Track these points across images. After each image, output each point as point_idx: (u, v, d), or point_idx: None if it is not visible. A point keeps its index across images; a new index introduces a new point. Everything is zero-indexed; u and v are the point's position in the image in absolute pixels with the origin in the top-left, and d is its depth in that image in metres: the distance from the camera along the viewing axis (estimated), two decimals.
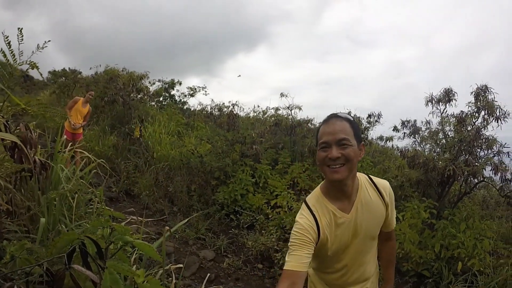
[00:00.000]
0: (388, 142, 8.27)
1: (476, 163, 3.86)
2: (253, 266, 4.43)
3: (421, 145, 5.27)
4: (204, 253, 4.52)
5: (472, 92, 4.15)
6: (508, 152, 3.84)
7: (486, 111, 4.00)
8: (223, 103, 10.73)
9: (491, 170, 3.87)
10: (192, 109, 11.39)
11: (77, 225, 2.40)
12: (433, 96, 4.85)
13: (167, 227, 2.01)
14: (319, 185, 1.51)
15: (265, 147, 6.50)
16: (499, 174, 3.79)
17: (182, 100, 11.37)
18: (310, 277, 1.66)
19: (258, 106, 10.69)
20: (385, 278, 1.74)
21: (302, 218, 1.39)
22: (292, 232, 1.38)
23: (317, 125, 8.17)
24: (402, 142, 6.14)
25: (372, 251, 1.55)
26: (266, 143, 6.68)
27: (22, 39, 1.60)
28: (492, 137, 3.97)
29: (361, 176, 1.48)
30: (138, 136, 7.37)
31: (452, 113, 4.56)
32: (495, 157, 3.90)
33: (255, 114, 10.76)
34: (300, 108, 7.30)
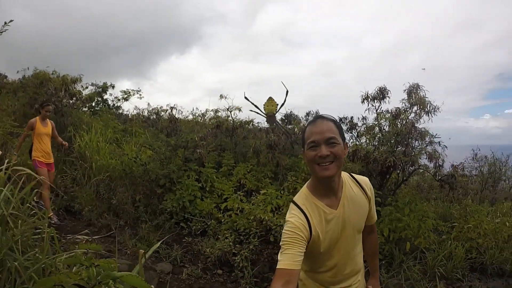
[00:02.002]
0: None
1: (413, 153, 4.29)
2: (213, 273, 4.33)
3: (358, 140, 5.65)
4: (161, 266, 4.30)
5: (405, 90, 4.60)
6: (439, 142, 4.35)
7: (418, 107, 4.47)
8: (161, 107, 10.27)
9: (426, 158, 4.35)
10: (127, 114, 10.73)
11: (26, 257, 2.09)
12: (368, 94, 5.23)
13: (141, 251, 1.84)
14: (305, 184, 1.55)
15: (207, 150, 6.39)
16: (433, 161, 4.28)
17: (116, 105, 10.64)
18: (301, 281, 1.66)
19: (197, 109, 10.49)
20: (371, 269, 1.84)
21: (293, 217, 1.41)
22: (283, 231, 1.39)
23: (257, 125, 8.31)
24: None
25: (360, 244, 1.63)
26: (208, 146, 6.56)
27: None
28: (425, 129, 4.45)
29: (343, 174, 1.55)
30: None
31: (387, 109, 4.98)
32: (428, 147, 4.39)
33: (193, 117, 10.53)
34: (240, 110, 7.25)
